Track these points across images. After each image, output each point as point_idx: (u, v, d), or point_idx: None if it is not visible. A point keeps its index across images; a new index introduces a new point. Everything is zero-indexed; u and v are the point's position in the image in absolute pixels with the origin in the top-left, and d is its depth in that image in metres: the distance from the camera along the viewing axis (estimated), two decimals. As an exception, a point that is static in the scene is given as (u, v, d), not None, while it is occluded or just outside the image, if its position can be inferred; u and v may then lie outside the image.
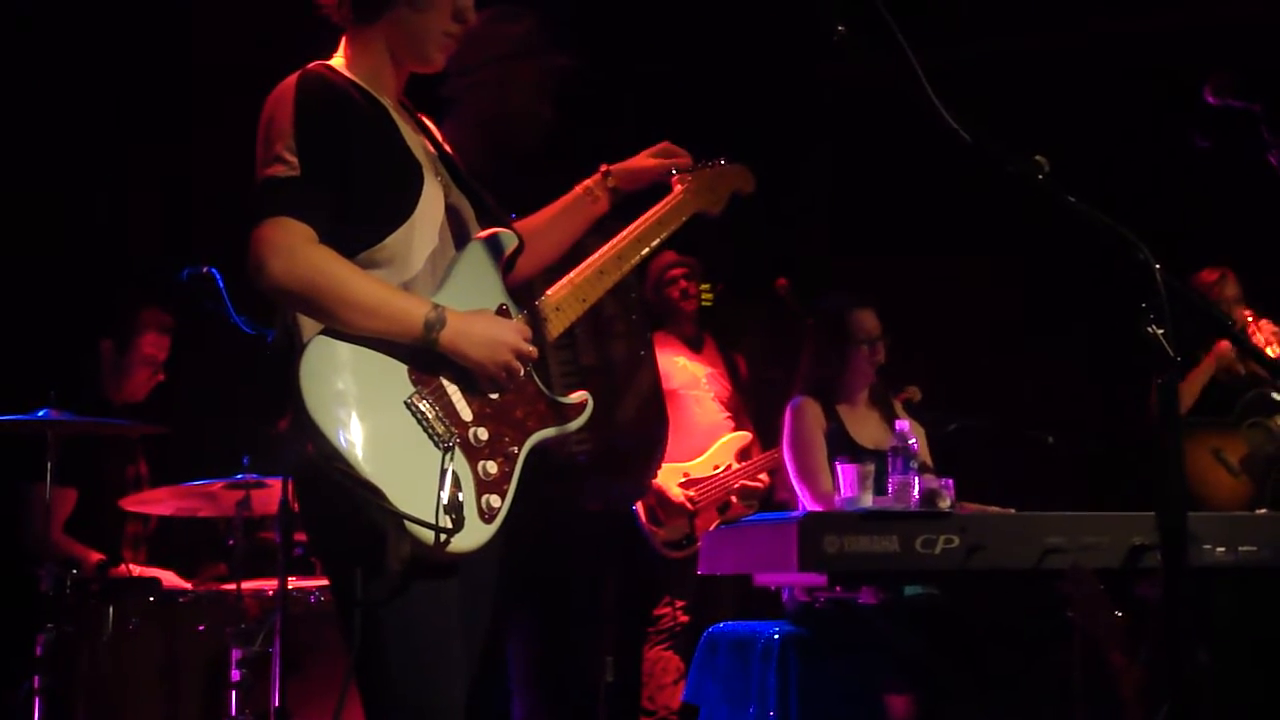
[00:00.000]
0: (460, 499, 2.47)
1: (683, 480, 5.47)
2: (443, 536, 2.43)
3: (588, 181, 3.13)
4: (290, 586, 4.41)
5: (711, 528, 5.35)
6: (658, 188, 3.25)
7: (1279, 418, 5.62)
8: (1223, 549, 4.02)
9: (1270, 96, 3.90)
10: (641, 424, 3.64)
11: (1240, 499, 5.55)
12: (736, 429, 5.72)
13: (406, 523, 2.40)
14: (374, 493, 2.40)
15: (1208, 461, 5.61)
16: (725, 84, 6.29)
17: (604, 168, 3.15)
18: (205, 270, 4.39)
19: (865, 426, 4.95)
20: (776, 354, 6.07)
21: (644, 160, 3.21)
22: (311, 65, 2.70)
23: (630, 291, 3.67)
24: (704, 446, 5.60)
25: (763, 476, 5.62)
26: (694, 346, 5.85)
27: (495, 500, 2.54)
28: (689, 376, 5.72)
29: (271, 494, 4.65)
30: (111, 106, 5.60)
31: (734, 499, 5.56)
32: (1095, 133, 5.95)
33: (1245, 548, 4.05)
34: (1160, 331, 2.30)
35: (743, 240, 4.86)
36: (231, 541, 4.75)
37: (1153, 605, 4.06)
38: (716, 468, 5.57)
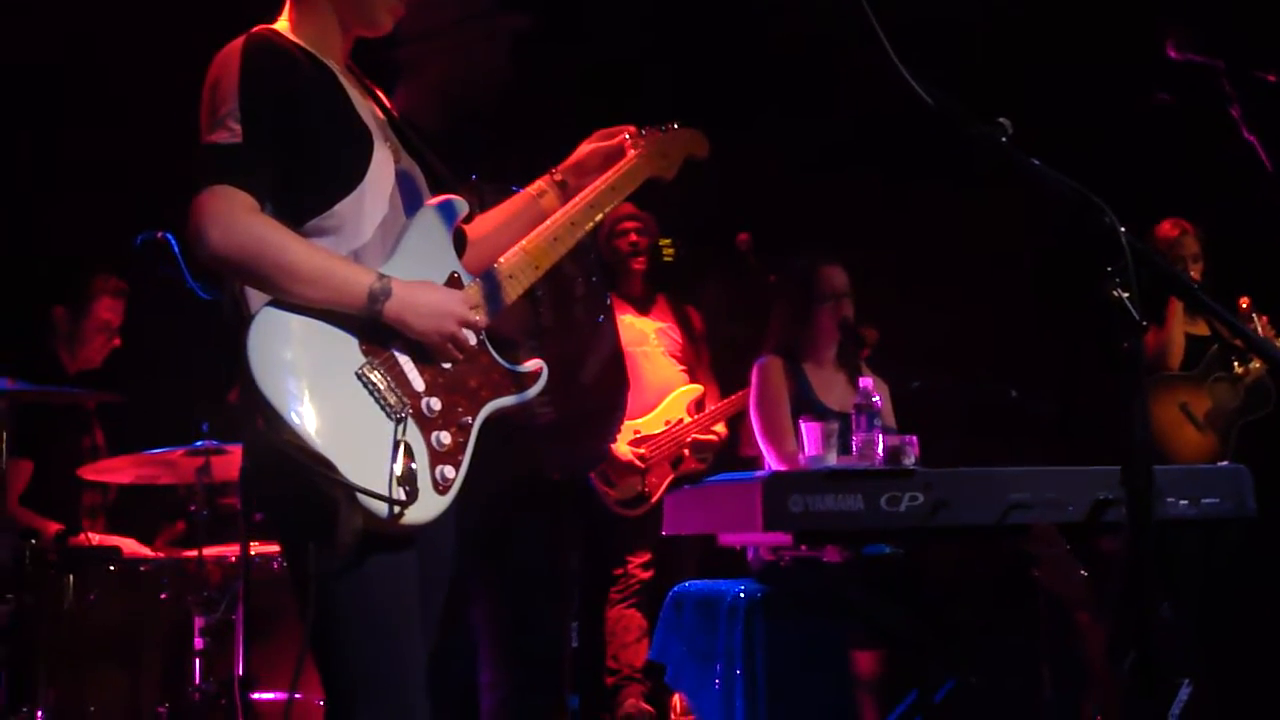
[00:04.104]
0: (414, 470, 2.44)
1: (633, 438, 5.44)
2: (396, 508, 2.40)
3: (537, 183, 3.03)
4: (253, 552, 4.38)
5: (665, 483, 5.34)
6: None
7: (1245, 370, 5.62)
8: (1185, 502, 4.03)
9: (1231, 50, 3.88)
10: (601, 388, 3.62)
11: (1206, 453, 5.55)
12: (691, 382, 5.70)
13: (359, 495, 2.37)
14: (325, 465, 2.36)
15: (1174, 416, 5.61)
16: (681, 40, 6.23)
17: (551, 171, 3.05)
18: (160, 235, 4.35)
19: (832, 388, 4.91)
20: (737, 310, 6.04)
21: (586, 148, 3.10)
22: (257, 29, 2.64)
23: (589, 254, 3.63)
24: (655, 402, 5.58)
25: (718, 429, 5.60)
26: (640, 305, 5.79)
27: (450, 471, 2.51)
28: (636, 333, 5.66)
29: (232, 460, 4.62)
30: (51, 74, 5.50)
31: (686, 453, 5.54)
32: (1057, 91, 5.91)
33: (1208, 500, 4.06)
34: (1125, 295, 2.27)
35: (702, 197, 4.81)
36: (193, 508, 4.71)
37: (1116, 559, 4.07)
38: (668, 423, 5.55)
